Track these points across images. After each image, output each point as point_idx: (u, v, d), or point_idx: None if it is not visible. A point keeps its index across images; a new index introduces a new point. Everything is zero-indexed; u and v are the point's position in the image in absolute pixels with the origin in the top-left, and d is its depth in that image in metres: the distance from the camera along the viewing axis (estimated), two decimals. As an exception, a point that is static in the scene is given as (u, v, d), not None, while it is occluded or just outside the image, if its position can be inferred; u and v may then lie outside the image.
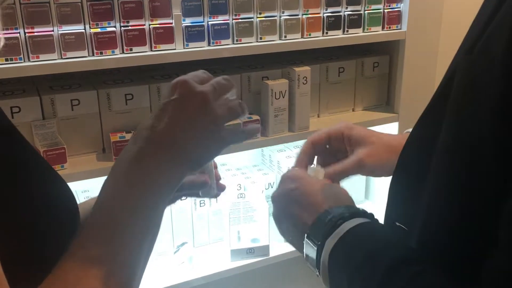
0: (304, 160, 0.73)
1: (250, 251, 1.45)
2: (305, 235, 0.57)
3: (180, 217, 1.46)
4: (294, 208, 0.62)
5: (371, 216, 0.58)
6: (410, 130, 0.65)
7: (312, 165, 0.74)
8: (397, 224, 0.61)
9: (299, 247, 0.60)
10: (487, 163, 0.42)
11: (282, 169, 1.56)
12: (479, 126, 0.43)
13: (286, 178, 0.66)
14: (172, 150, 0.54)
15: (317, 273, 0.56)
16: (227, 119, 0.58)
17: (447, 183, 0.48)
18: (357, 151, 0.70)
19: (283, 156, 1.56)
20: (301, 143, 1.63)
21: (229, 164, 1.62)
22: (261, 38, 1.30)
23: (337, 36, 1.39)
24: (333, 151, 0.74)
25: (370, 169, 0.71)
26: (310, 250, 0.56)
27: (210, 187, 0.70)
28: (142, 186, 0.52)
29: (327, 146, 0.75)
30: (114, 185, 0.53)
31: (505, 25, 0.42)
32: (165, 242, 1.45)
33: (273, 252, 1.45)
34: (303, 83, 1.38)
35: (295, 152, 1.60)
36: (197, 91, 0.56)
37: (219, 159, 1.59)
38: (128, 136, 1.23)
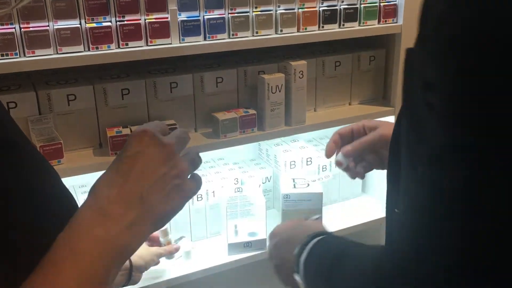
0: (333, 148, 0.91)
1: (248, 245, 1.46)
2: (296, 274, 0.71)
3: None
4: (280, 253, 0.79)
5: (322, 233, 0.73)
6: None
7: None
8: (396, 211, 0.65)
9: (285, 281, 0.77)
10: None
11: (279, 163, 1.57)
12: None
13: (270, 235, 0.87)
14: (139, 209, 0.50)
15: None
16: (190, 172, 0.56)
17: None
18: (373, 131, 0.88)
19: (280, 150, 1.57)
20: (297, 137, 1.64)
21: (227, 158, 1.63)
22: (257, 32, 1.30)
23: (333, 30, 1.39)
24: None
25: (386, 141, 0.80)
26: (297, 278, 0.70)
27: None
28: (103, 249, 0.48)
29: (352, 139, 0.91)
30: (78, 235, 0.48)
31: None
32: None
33: (270, 246, 1.45)
34: (300, 77, 1.38)
35: (292, 146, 1.61)
36: (163, 143, 0.53)
37: (217, 154, 1.60)
38: (125, 131, 1.23)
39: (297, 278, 0.71)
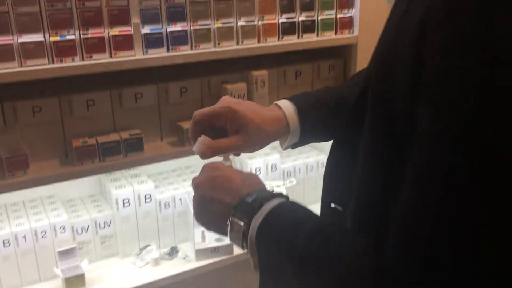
0: (195, 138, 0.77)
1: (215, 250, 1.50)
2: (231, 214, 0.64)
3: (146, 220, 1.49)
4: (217, 192, 0.67)
5: (286, 197, 0.65)
6: (280, 101, 0.80)
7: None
8: (333, 205, 0.69)
9: (220, 228, 0.67)
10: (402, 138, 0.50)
11: (245, 170, 1.61)
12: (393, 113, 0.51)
13: (207, 167, 0.72)
14: None
15: (244, 248, 0.63)
16: None
17: (370, 159, 0.57)
18: (236, 134, 0.76)
19: (246, 157, 1.62)
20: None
21: (194, 167, 1.67)
22: (219, 44, 1.35)
23: (292, 41, 1.46)
24: (215, 128, 0.78)
25: (245, 151, 0.79)
26: (236, 227, 0.63)
27: None
28: None
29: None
30: None
31: (409, 28, 0.48)
32: (131, 245, 1.48)
33: (236, 251, 1.50)
34: (261, 86, 1.43)
35: (257, 153, 1.65)
36: None
37: (184, 162, 1.63)
38: (90, 141, 1.26)
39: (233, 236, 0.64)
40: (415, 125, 0.47)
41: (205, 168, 0.72)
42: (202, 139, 0.75)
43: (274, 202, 0.62)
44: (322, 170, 1.77)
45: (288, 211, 0.61)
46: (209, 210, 0.68)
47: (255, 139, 0.77)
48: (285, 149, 0.85)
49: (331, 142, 0.80)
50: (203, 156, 0.76)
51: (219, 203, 0.66)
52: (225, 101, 0.78)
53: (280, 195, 0.64)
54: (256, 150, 0.81)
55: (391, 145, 0.52)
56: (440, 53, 0.44)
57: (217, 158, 0.75)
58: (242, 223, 0.62)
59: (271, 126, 0.78)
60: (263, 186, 0.69)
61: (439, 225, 0.45)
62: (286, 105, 0.81)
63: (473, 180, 0.43)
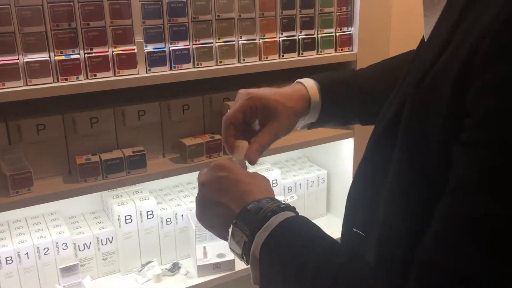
0: (233, 142, 0.75)
1: (216, 266, 1.50)
2: (233, 222, 0.60)
3: (148, 236, 1.50)
4: (222, 195, 0.64)
5: (294, 209, 0.62)
6: (302, 79, 0.79)
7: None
8: (355, 230, 0.66)
9: (221, 233, 0.64)
10: (434, 181, 0.48)
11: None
12: (427, 151, 0.49)
13: (215, 166, 0.68)
14: None
15: (244, 261, 0.61)
16: None
17: (401, 198, 0.54)
18: (270, 124, 0.76)
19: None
20: (263, 159, 1.70)
21: (195, 183, 1.68)
22: (220, 62, 1.37)
23: (292, 59, 1.48)
24: (248, 124, 0.79)
25: (282, 136, 0.78)
26: (237, 237, 0.60)
27: None
28: None
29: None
30: None
31: (451, 66, 0.46)
32: (133, 261, 1.49)
33: (238, 266, 1.50)
34: (262, 103, 1.45)
35: (258, 169, 1.67)
36: None
37: (186, 178, 1.64)
38: (94, 158, 1.27)
39: (236, 249, 0.61)
40: (450, 164, 0.46)
41: (213, 166, 0.68)
42: (242, 144, 0.72)
43: (281, 216, 0.58)
44: (322, 186, 1.79)
45: (297, 229, 0.58)
46: (212, 212, 0.65)
47: (286, 121, 0.75)
48: (301, 128, 0.83)
49: (344, 162, 0.80)
50: (252, 162, 0.73)
51: (222, 207, 0.64)
52: (244, 93, 0.77)
53: (287, 207, 0.61)
54: (289, 132, 0.79)
55: (420, 180, 0.50)
56: (491, 95, 0.42)
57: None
58: (244, 236, 0.59)
59: (296, 102, 0.77)
60: (271, 193, 0.66)
61: (465, 276, 0.43)
62: (308, 82, 0.81)
63: (506, 235, 0.41)
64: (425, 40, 0.58)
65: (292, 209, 0.62)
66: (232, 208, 0.62)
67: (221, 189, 0.65)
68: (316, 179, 1.77)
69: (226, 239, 0.63)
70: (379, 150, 0.61)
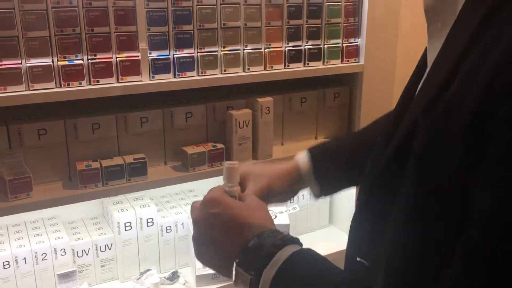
0: None
1: (215, 276, 1.48)
2: (236, 262, 0.58)
3: (147, 244, 1.48)
4: (218, 234, 0.61)
5: (298, 241, 0.60)
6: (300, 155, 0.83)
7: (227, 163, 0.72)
8: (358, 259, 0.65)
9: (223, 271, 0.62)
10: (452, 212, 0.47)
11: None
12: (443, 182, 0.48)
13: (208, 201, 0.65)
14: None
15: None
16: None
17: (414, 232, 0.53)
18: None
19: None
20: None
21: (196, 191, 1.66)
22: (225, 70, 1.36)
23: (298, 69, 1.46)
24: None
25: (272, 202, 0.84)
26: (242, 277, 0.58)
27: None
28: None
29: None
30: None
31: (467, 94, 0.45)
32: (131, 269, 1.47)
33: (237, 277, 1.48)
34: (266, 113, 1.44)
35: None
36: None
37: (187, 186, 1.63)
38: (94, 164, 1.26)
39: None
40: (468, 200, 0.45)
41: (206, 202, 0.65)
42: (232, 167, 0.70)
43: (287, 251, 0.57)
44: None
45: (306, 263, 0.57)
46: (210, 251, 0.62)
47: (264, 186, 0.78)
48: (315, 199, 0.86)
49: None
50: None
51: (220, 246, 0.61)
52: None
53: (291, 240, 0.59)
54: (283, 199, 0.87)
55: (436, 216, 0.49)
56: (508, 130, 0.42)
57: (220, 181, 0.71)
58: (249, 276, 0.57)
59: (282, 187, 0.82)
60: (270, 221, 0.64)
61: None
62: (301, 155, 0.85)
63: None
64: (428, 65, 0.57)
65: (296, 241, 0.60)
66: (231, 246, 0.60)
67: (217, 227, 0.62)
68: (319, 190, 1.75)
69: (229, 277, 0.60)
70: (385, 182, 0.60)
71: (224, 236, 0.61)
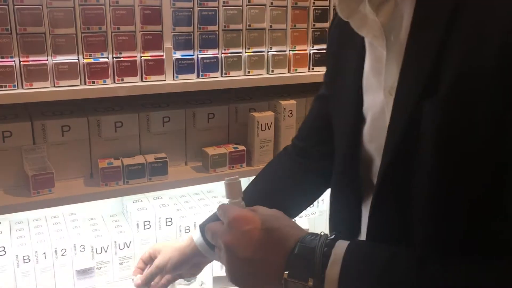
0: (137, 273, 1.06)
1: (232, 279, 1.47)
2: (285, 274, 0.56)
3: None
4: (257, 251, 0.58)
5: (341, 236, 0.59)
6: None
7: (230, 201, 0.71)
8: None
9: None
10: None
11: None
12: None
13: (235, 220, 0.61)
14: None
15: None
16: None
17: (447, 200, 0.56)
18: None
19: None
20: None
21: (215, 192, 1.66)
22: (249, 72, 1.35)
23: (322, 72, 1.44)
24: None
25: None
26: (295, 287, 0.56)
27: None
28: None
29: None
30: None
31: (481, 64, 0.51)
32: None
33: (254, 281, 1.47)
34: (289, 116, 1.42)
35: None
36: None
37: (206, 186, 1.62)
38: (116, 162, 1.26)
39: None
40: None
41: (233, 222, 0.61)
42: (234, 182, 0.69)
43: (340, 247, 0.55)
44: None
45: (367, 251, 0.56)
46: (253, 273, 0.58)
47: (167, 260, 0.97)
48: None
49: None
50: None
51: (261, 264, 0.57)
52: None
53: (337, 237, 0.58)
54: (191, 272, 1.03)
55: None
56: None
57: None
58: (305, 283, 0.55)
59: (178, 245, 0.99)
60: (299, 227, 0.62)
61: None
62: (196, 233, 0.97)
63: None
64: (383, 73, 0.63)
65: (341, 237, 0.58)
66: (274, 260, 0.57)
67: (253, 245, 0.58)
68: (340, 195, 1.73)
69: None
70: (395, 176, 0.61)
71: (264, 251, 0.58)
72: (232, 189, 0.68)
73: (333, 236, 0.58)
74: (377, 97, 0.66)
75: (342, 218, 0.78)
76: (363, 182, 0.71)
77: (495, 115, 0.51)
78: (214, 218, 0.94)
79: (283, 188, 0.95)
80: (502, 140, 0.51)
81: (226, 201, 0.70)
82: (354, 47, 0.71)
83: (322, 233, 0.59)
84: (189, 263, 0.98)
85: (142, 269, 1.06)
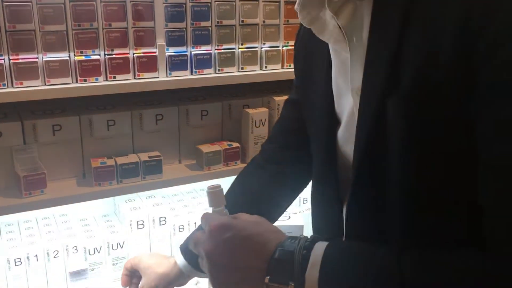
0: (126, 282, 1.11)
1: (228, 277, 1.46)
2: (266, 279, 0.56)
3: (159, 243, 1.46)
4: (238, 258, 0.58)
5: (321, 238, 0.59)
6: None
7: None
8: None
9: None
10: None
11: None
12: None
13: (215, 229, 0.61)
14: None
15: None
16: None
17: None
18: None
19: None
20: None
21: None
22: (242, 68, 1.34)
23: (316, 68, 1.44)
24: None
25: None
26: None
27: None
28: None
29: None
30: None
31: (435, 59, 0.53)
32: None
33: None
34: (283, 112, 1.41)
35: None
36: None
37: (200, 184, 1.61)
38: (109, 161, 1.24)
39: None
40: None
41: (213, 231, 0.61)
42: (216, 191, 0.70)
43: (319, 249, 0.56)
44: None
45: (345, 253, 0.57)
46: (235, 279, 0.59)
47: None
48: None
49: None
50: None
51: (242, 271, 0.58)
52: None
53: (315, 239, 0.59)
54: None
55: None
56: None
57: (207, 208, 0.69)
58: (287, 286, 0.55)
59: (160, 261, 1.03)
60: (279, 230, 0.62)
61: None
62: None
63: None
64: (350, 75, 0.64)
65: (320, 238, 0.59)
66: (255, 266, 0.57)
67: (234, 251, 0.58)
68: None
69: None
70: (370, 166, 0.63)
71: (245, 258, 0.58)
72: (214, 197, 0.69)
73: (312, 239, 0.58)
74: (347, 100, 0.67)
75: (324, 220, 0.79)
76: (341, 184, 0.72)
77: (457, 104, 0.52)
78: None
79: (261, 199, 0.96)
80: (470, 133, 0.52)
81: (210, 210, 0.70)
82: (323, 52, 0.72)
83: (302, 236, 0.60)
84: (174, 284, 1.02)
85: (129, 276, 1.11)
